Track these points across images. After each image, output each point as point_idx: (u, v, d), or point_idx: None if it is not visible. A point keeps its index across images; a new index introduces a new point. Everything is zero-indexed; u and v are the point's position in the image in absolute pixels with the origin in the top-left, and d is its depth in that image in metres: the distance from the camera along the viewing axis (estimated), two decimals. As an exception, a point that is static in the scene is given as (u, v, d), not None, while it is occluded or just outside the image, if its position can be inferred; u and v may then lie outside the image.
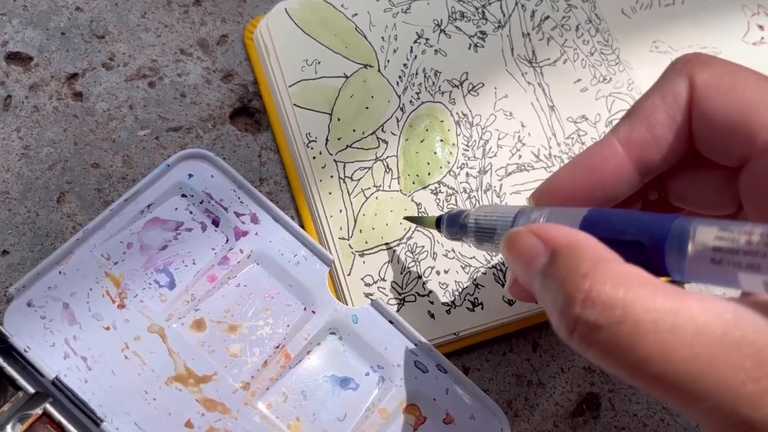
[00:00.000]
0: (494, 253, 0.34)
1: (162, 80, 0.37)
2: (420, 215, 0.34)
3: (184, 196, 0.33)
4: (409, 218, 0.34)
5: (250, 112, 0.37)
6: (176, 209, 0.32)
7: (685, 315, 0.17)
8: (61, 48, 0.36)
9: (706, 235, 0.19)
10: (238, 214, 0.33)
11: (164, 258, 0.32)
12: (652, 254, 0.20)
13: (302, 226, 0.35)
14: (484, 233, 0.27)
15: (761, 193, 0.22)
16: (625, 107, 0.38)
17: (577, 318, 0.18)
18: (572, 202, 0.25)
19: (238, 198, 0.33)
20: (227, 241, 0.33)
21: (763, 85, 0.22)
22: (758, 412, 0.16)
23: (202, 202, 0.33)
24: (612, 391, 0.36)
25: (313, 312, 0.32)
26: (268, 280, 0.33)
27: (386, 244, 0.34)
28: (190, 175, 0.33)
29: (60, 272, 0.30)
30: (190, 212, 0.33)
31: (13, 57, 0.36)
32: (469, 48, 0.38)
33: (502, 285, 0.34)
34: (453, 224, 0.30)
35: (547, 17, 0.39)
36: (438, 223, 0.31)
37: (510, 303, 0.34)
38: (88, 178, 0.34)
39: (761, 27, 0.41)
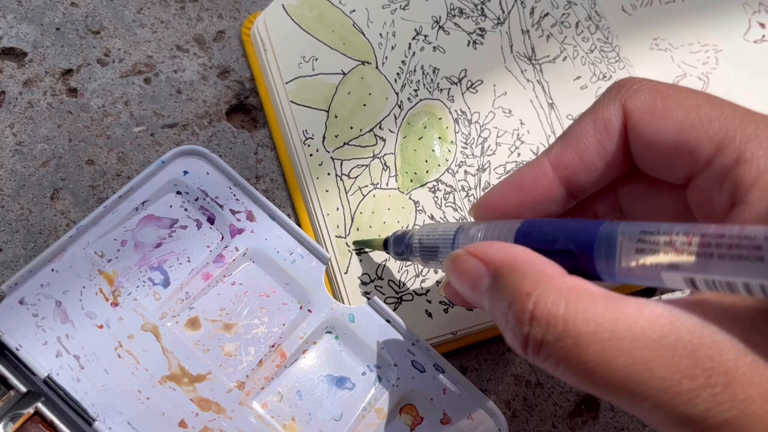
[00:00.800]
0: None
1: (158, 76, 0.36)
2: (368, 239, 0.33)
3: (179, 193, 0.32)
4: (357, 242, 0.34)
5: (247, 108, 0.37)
6: (171, 206, 0.32)
7: (622, 323, 0.18)
8: (55, 43, 0.36)
9: (629, 238, 0.19)
10: (233, 212, 0.32)
11: (158, 256, 0.31)
12: (582, 261, 0.21)
13: (299, 224, 0.34)
14: (428, 252, 0.28)
15: (708, 205, 0.23)
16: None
17: (527, 336, 0.20)
18: (506, 218, 0.26)
19: (234, 195, 0.33)
20: (222, 238, 0.32)
21: (696, 102, 0.22)
22: (695, 408, 0.17)
23: (197, 200, 0.32)
24: (611, 391, 0.35)
25: (309, 311, 0.32)
26: (264, 279, 0.32)
27: (384, 242, 0.34)
28: (186, 172, 0.32)
29: (53, 270, 0.30)
30: (185, 209, 0.32)
31: (8, 52, 0.35)
32: (468, 45, 0.38)
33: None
34: (399, 244, 0.30)
35: (547, 14, 0.39)
36: (386, 244, 0.31)
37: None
38: (83, 174, 0.34)
39: (762, 25, 0.41)
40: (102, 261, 0.31)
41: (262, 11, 0.37)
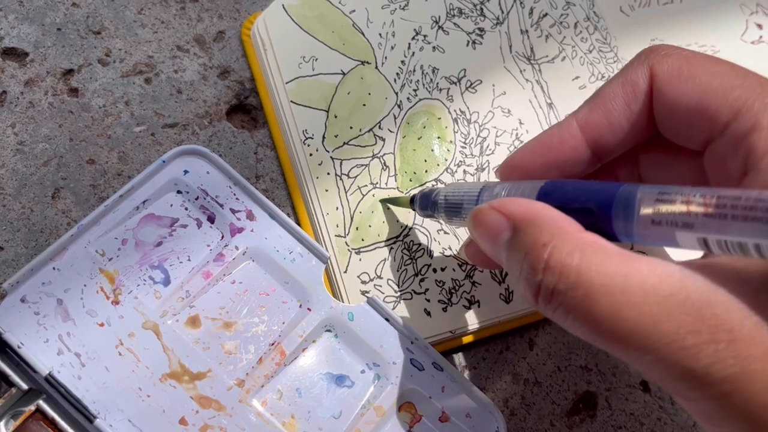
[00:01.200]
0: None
1: (158, 76, 0.36)
2: (395, 197, 0.34)
3: (179, 192, 0.32)
4: (384, 200, 0.34)
5: (247, 108, 0.37)
6: (171, 205, 0.32)
7: (634, 278, 0.19)
8: (57, 44, 0.36)
9: (647, 199, 0.20)
10: (233, 211, 0.33)
11: (159, 254, 0.32)
12: (600, 220, 0.22)
13: (298, 224, 0.35)
14: (452, 209, 0.29)
15: (723, 173, 0.23)
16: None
17: (540, 284, 0.20)
18: (531, 179, 0.26)
19: (234, 195, 0.33)
20: (222, 237, 0.32)
21: (719, 69, 0.23)
22: (698, 363, 0.18)
23: (197, 199, 0.32)
24: (609, 389, 0.36)
25: (309, 309, 0.32)
26: (264, 277, 0.32)
27: (383, 241, 0.34)
28: (186, 172, 0.32)
29: (54, 268, 0.30)
30: (186, 208, 0.32)
31: (9, 52, 0.36)
32: (467, 45, 0.38)
33: (499, 283, 0.34)
34: (425, 201, 0.31)
35: (546, 14, 0.39)
36: (412, 201, 0.32)
37: (507, 301, 0.34)
38: (83, 174, 0.34)
39: (759, 26, 0.41)
40: (103, 259, 0.31)
41: (262, 12, 0.37)
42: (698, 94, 0.23)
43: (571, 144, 0.26)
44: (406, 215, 0.34)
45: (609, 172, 0.29)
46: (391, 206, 0.34)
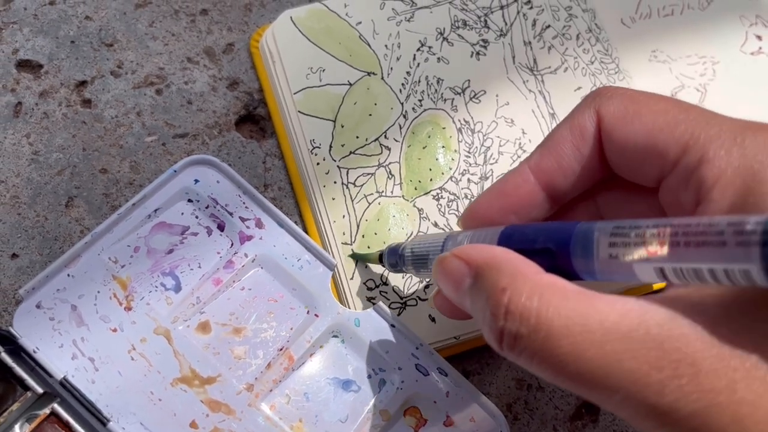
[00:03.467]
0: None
1: (169, 88, 0.37)
2: (364, 253, 0.34)
3: (190, 201, 0.33)
4: (353, 255, 0.34)
5: (255, 119, 0.38)
6: (182, 214, 0.33)
7: (594, 318, 0.19)
8: (70, 56, 0.37)
9: (603, 236, 0.20)
10: (243, 219, 0.33)
11: (170, 261, 0.32)
12: (560, 259, 0.22)
13: (306, 232, 0.35)
14: (419, 261, 0.29)
15: (677, 206, 0.24)
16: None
17: (502, 330, 0.20)
18: (491, 225, 0.27)
19: (243, 203, 0.33)
20: (232, 245, 0.33)
21: (665, 106, 0.24)
22: (663, 399, 0.18)
23: (207, 207, 0.33)
24: (611, 395, 0.36)
25: (316, 315, 0.33)
26: (272, 284, 0.33)
27: (388, 248, 0.34)
28: (196, 181, 0.33)
29: (68, 275, 0.31)
30: (196, 217, 0.33)
31: (24, 64, 0.36)
32: (471, 56, 0.39)
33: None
34: (393, 256, 0.31)
35: (548, 26, 0.40)
36: (381, 257, 0.32)
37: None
38: (96, 183, 0.35)
39: (759, 37, 0.42)
40: (116, 266, 0.32)
41: (270, 24, 0.38)
42: (645, 133, 0.23)
43: (526, 189, 0.26)
44: (411, 223, 0.35)
45: (570, 212, 0.29)
46: (362, 260, 0.34)
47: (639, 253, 0.19)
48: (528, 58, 0.39)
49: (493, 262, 0.22)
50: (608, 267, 0.20)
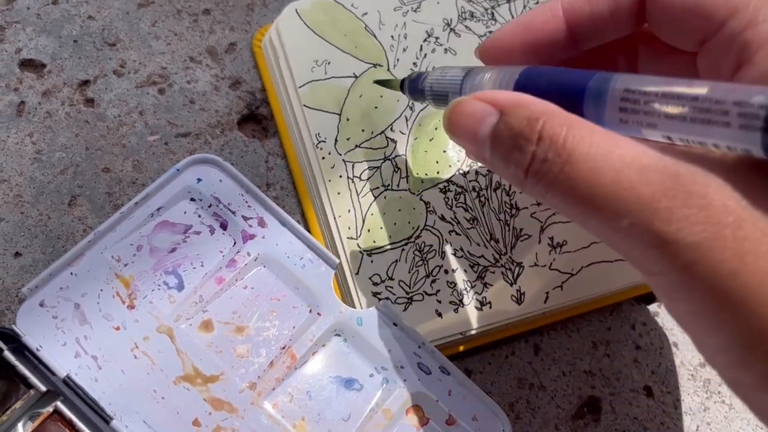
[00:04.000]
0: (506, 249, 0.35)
1: (171, 87, 0.37)
2: (387, 78, 0.35)
3: (192, 200, 0.33)
4: (377, 81, 0.35)
5: (258, 118, 0.38)
6: (185, 213, 0.33)
7: (616, 151, 0.20)
8: (73, 55, 0.37)
9: (616, 93, 0.21)
10: (245, 218, 0.33)
11: (173, 260, 0.32)
12: (573, 107, 0.23)
13: (308, 230, 0.35)
14: (439, 97, 0.30)
15: (715, 72, 0.24)
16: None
17: (533, 155, 0.21)
18: (511, 60, 0.27)
19: (246, 202, 0.34)
20: (235, 244, 0.33)
21: None
22: (669, 227, 0.19)
23: (210, 206, 0.33)
24: (613, 394, 0.36)
25: (319, 314, 0.33)
26: (275, 283, 0.33)
27: (394, 243, 0.35)
28: (199, 180, 0.33)
29: (71, 273, 0.31)
30: (199, 216, 0.33)
31: (27, 64, 0.37)
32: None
33: (511, 284, 0.35)
34: (413, 88, 0.32)
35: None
36: (402, 85, 0.33)
37: (518, 302, 0.34)
38: (99, 182, 0.35)
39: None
40: (119, 265, 0.32)
41: (272, 24, 0.38)
42: None
43: (553, 26, 0.27)
44: (418, 217, 0.35)
45: (608, 57, 0.29)
46: (384, 86, 0.35)
47: (647, 121, 0.20)
48: (532, 55, 0.39)
49: (521, 101, 0.23)
50: (617, 126, 0.21)
